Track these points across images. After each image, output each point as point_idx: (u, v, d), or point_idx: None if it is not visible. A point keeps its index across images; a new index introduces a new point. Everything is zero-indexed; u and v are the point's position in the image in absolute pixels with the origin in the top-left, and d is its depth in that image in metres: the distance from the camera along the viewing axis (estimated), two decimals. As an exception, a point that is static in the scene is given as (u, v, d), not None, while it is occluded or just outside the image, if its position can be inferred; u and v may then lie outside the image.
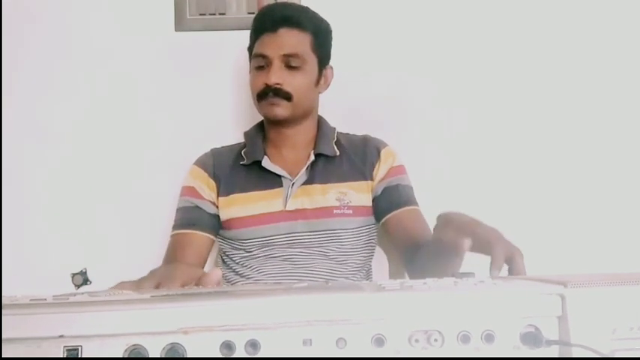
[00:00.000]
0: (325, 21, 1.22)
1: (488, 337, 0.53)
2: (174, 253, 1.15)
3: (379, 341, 0.52)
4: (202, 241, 1.18)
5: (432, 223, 1.17)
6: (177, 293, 0.60)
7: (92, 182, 1.45)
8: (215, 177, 1.22)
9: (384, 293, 0.54)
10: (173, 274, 0.73)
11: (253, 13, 1.25)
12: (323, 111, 1.29)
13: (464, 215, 0.86)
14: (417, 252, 1.08)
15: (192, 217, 1.19)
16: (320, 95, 1.26)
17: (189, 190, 1.22)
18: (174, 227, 1.20)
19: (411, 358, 0.53)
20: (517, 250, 0.74)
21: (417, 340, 0.53)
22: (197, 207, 1.20)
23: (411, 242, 1.13)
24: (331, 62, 1.24)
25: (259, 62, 1.16)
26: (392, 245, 1.26)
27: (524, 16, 1.47)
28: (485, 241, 0.75)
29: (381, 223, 1.22)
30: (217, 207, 1.21)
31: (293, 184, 1.19)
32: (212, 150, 1.29)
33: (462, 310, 0.54)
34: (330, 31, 1.23)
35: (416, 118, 1.47)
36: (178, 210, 1.22)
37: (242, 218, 1.18)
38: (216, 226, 1.21)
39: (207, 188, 1.22)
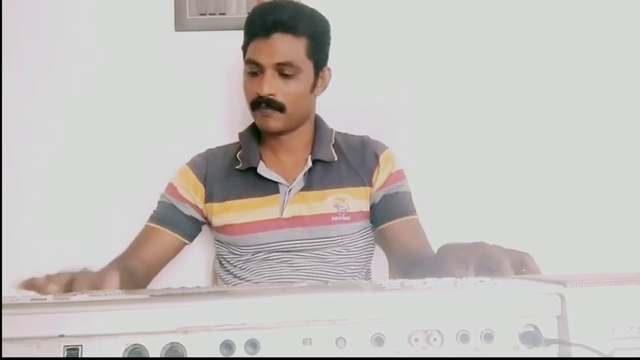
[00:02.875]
0: (323, 21, 1.15)
1: (488, 337, 0.54)
2: (138, 244, 1.16)
3: (379, 341, 0.52)
4: (168, 240, 1.17)
5: (430, 227, 1.19)
6: (177, 293, 0.60)
7: (92, 182, 1.45)
8: (206, 182, 1.21)
9: (384, 293, 0.55)
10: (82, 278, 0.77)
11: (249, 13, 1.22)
12: (321, 110, 1.28)
13: (463, 244, 0.84)
14: (414, 268, 1.06)
15: (165, 215, 1.19)
16: (317, 96, 1.24)
17: (170, 188, 1.22)
18: (149, 219, 1.20)
19: (410, 358, 0.53)
20: (525, 255, 0.75)
21: (416, 340, 0.53)
22: (173, 206, 1.19)
23: (408, 255, 1.12)
24: (331, 62, 1.21)
25: (252, 68, 1.11)
26: (387, 254, 1.25)
27: (523, 17, 1.47)
28: (492, 261, 0.75)
29: (378, 229, 1.21)
30: (200, 211, 1.20)
31: (290, 191, 1.17)
32: (207, 152, 1.27)
33: (461, 309, 0.54)
34: (328, 32, 1.16)
35: (415, 119, 1.47)
36: (157, 203, 1.22)
37: (238, 225, 1.17)
38: (191, 228, 1.21)
39: (192, 190, 1.20)
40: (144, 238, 1.17)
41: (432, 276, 0.74)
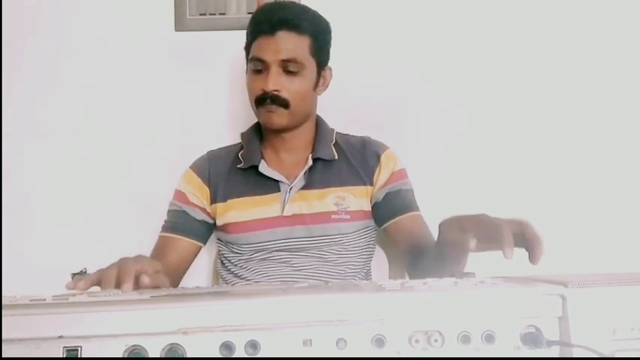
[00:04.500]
0: (325, 21, 1.18)
1: (489, 338, 0.53)
2: (157, 255, 1.16)
3: (379, 342, 0.52)
4: (185, 246, 1.18)
5: (433, 225, 1.18)
6: (176, 293, 0.60)
7: (92, 182, 1.45)
8: (210, 183, 1.21)
9: (384, 293, 0.54)
10: (131, 262, 0.78)
11: (253, 13, 1.23)
12: (322, 111, 1.28)
13: (464, 215, 0.85)
14: (420, 257, 1.07)
15: (178, 222, 1.20)
16: (319, 95, 1.25)
17: (179, 195, 1.22)
18: (162, 229, 1.21)
19: (411, 359, 0.52)
20: (524, 222, 0.75)
21: (417, 341, 0.53)
22: (184, 212, 1.20)
23: (414, 248, 1.13)
24: (331, 62, 1.22)
25: (257, 66, 1.13)
26: (394, 251, 1.25)
27: (524, 16, 1.47)
28: (492, 229, 0.75)
29: (382, 228, 1.21)
30: (208, 213, 1.21)
31: (291, 189, 1.18)
32: (209, 153, 1.27)
33: (462, 310, 0.54)
34: (330, 32, 1.19)
35: (416, 119, 1.47)
36: (168, 212, 1.23)
37: (239, 223, 1.17)
38: (204, 232, 1.22)
39: (199, 194, 1.21)
40: (162, 248, 1.17)
41: (438, 255, 0.74)
